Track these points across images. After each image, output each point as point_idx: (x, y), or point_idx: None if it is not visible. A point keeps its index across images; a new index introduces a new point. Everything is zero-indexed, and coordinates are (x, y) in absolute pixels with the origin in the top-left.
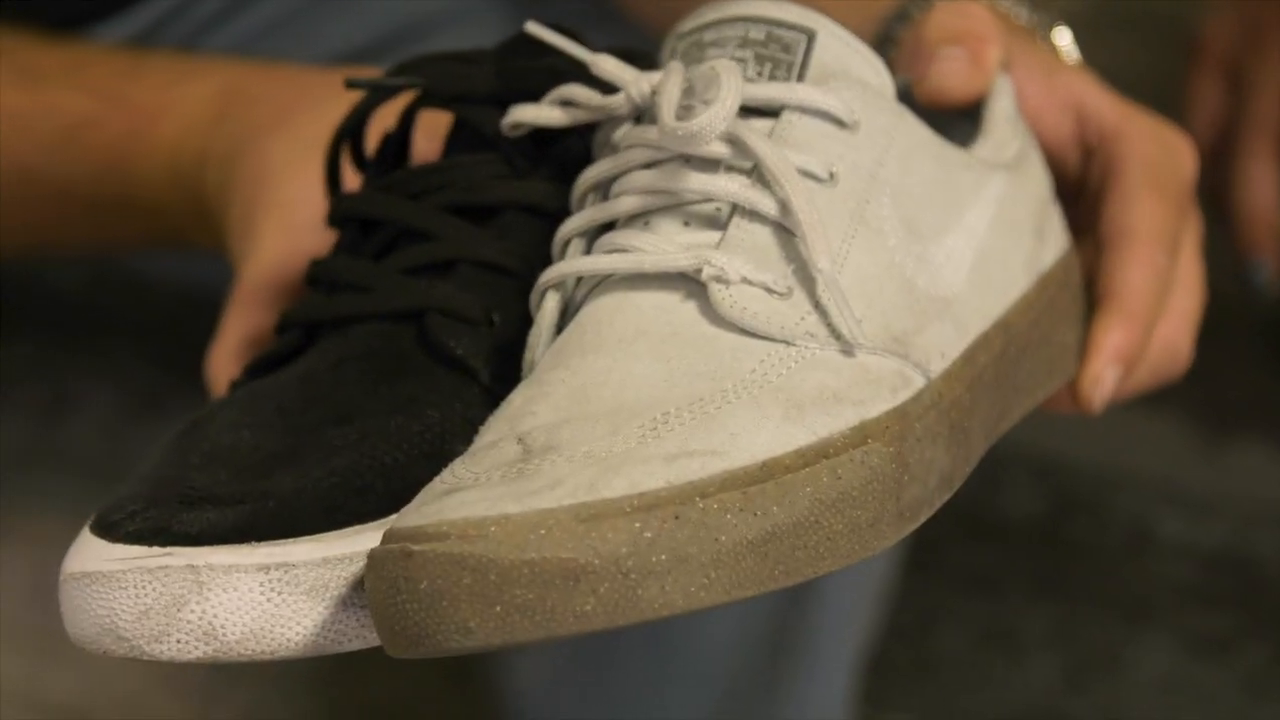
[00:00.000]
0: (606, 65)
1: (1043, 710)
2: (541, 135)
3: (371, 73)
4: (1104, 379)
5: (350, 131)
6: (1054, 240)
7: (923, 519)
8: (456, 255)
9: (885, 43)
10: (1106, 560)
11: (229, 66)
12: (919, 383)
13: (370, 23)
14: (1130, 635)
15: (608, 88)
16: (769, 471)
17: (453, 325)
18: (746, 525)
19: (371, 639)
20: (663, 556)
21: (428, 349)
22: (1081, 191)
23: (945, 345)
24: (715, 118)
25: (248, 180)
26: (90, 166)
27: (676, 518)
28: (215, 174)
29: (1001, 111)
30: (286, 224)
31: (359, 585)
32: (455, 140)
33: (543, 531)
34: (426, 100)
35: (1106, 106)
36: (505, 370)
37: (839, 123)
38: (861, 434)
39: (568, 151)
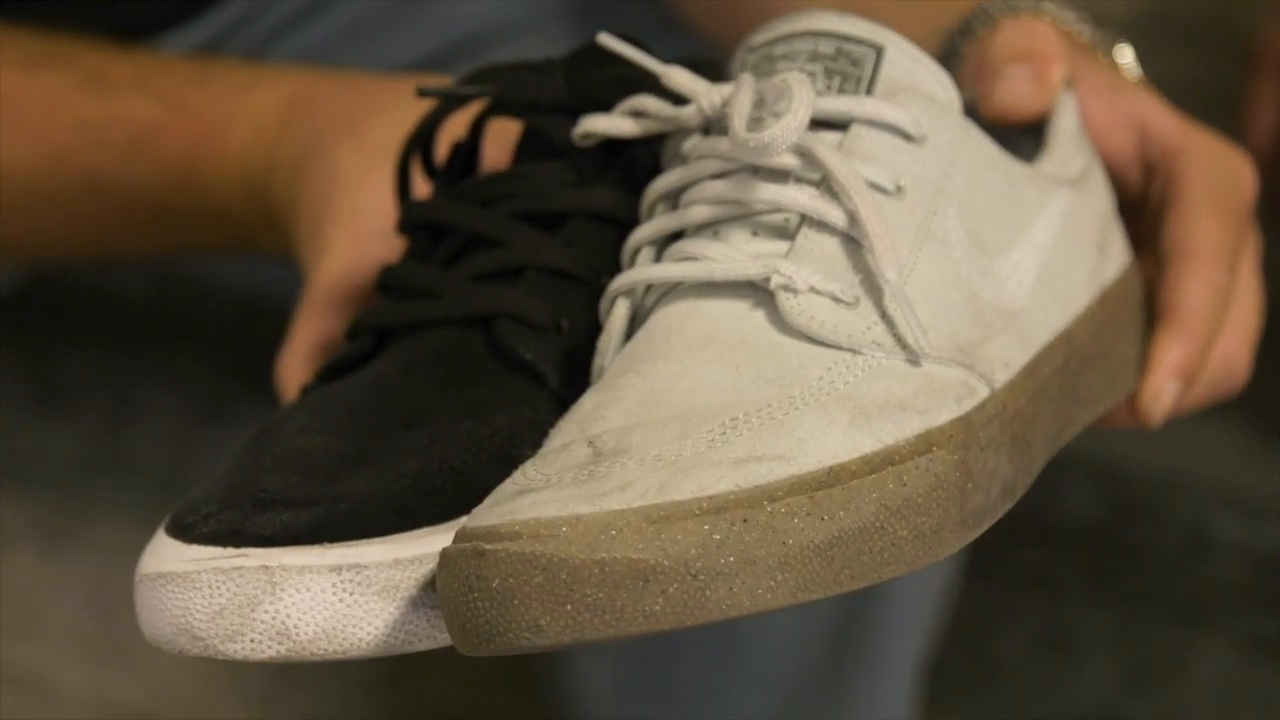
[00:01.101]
0: (678, 77)
1: (1101, 714)
2: (610, 145)
3: (441, 81)
4: (1163, 393)
5: (421, 140)
6: (1116, 255)
7: (985, 527)
8: (525, 262)
9: (949, 57)
10: (1165, 564)
11: (296, 74)
12: (983, 393)
13: (436, 34)
14: (1189, 639)
15: (678, 99)
16: (836, 477)
17: (522, 331)
18: (813, 529)
19: (442, 639)
20: (731, 559)
21: (497, 354)
22: (1143, 208)
23: (1009, 356)
24: (787, 129)
25: (316, 188)
26: (158, 174)
27: (745, 521)
28: (283, 181)
29: (1066, 128)
30: (356, 233)
31: (430, 586)
32: (525, 149)
33: (613, 532)
34: (497, 109)
35: (1169, 124)
36: (573, 375)
37: (906, 136)
38: (927, 442)
39: (635, 161)
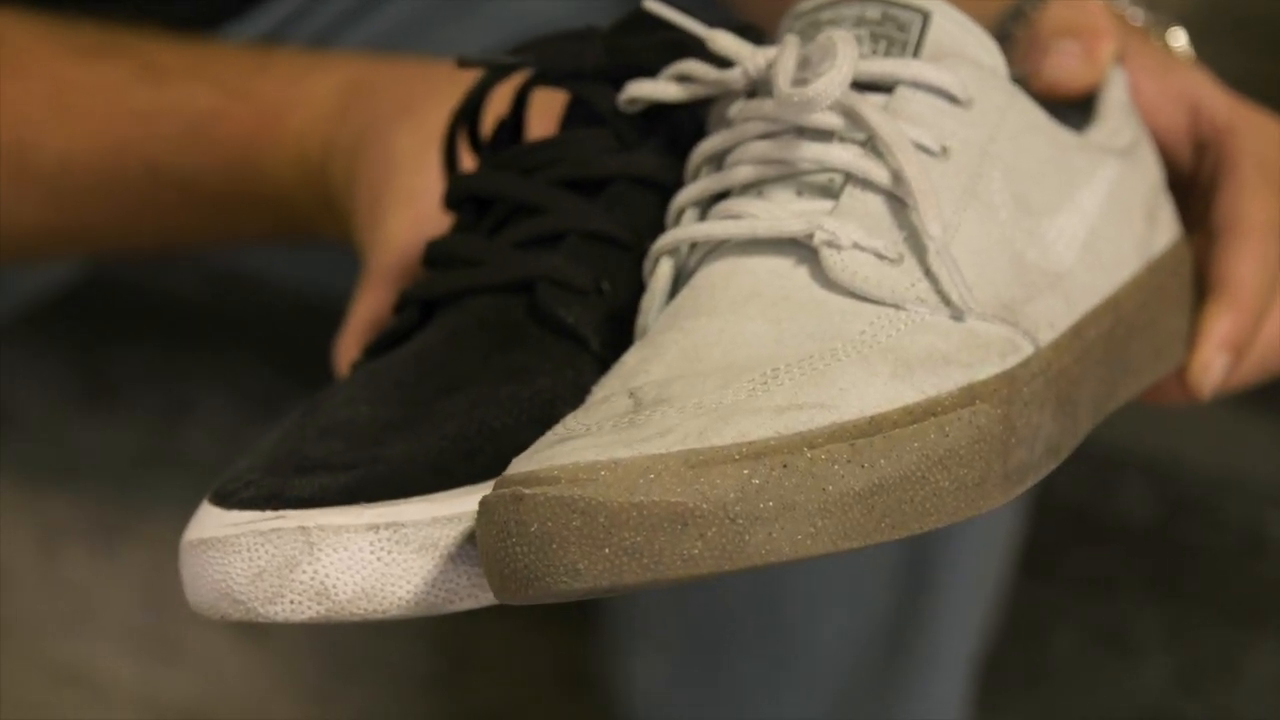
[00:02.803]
0: (723, 41)
1: (1156, 713)
2: (653, 111)
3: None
4: (1213, 366)
5: (467, 114)
6: (1165, 228)
7: (1029, 484)
8: (566, 227)
9: (1000, 40)
10: (1219, 563)
11: (353, 60)
12: (1027, 350)
13: (494, 29)
14: (1243, 638)
15: (723, 63)
16: (877, 426)
17: (563, 294)
18: (853, 476)
19: (484, 597)
20: (770, 503)
21: (539, 318)
22: (1194, 186)
23: (1054, 317)
24: (831, 84)
25: (374, 171)
26: (217, 161)
27: (784, 466)
28: (341, 165)
29: (1115, 101)
30: (414, 213)
31: (468, 542)
32: (570, 118)
33: (652, 476)
34: (540, 79)
35: (1220, 103)
36: (615, 338)
37: (952, 99)
38: (969, 395)
39: (678, 125)
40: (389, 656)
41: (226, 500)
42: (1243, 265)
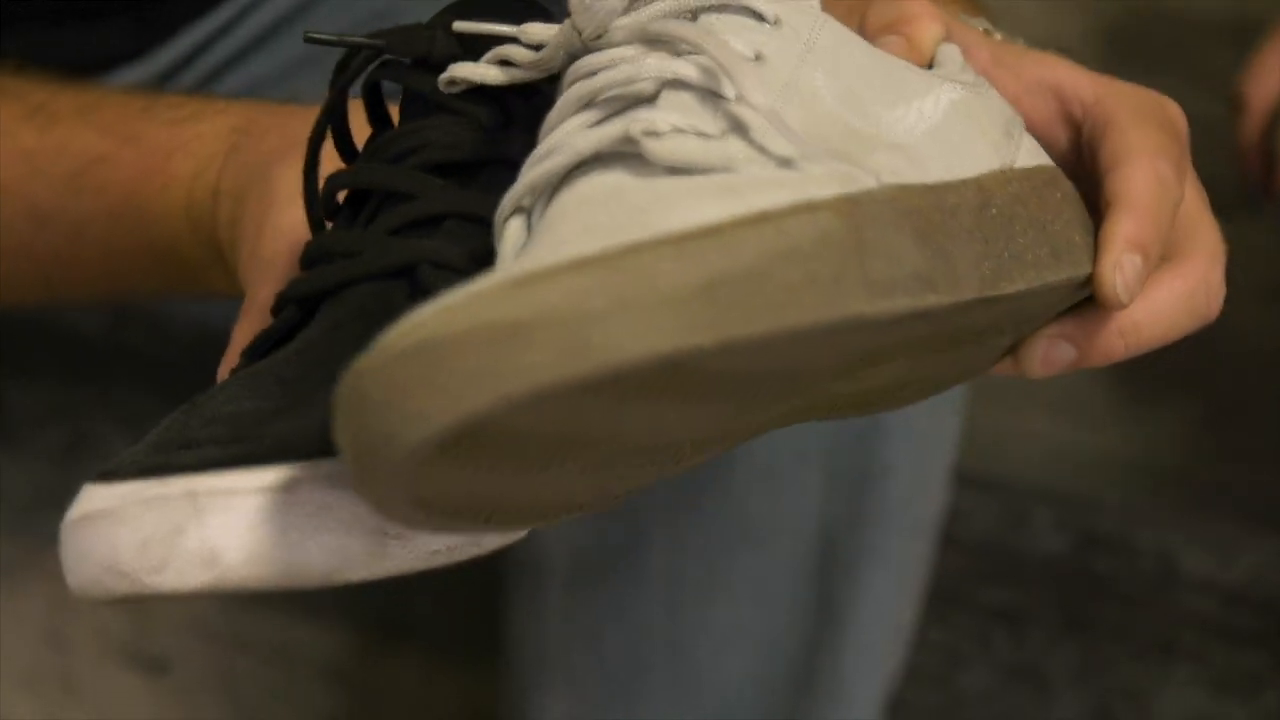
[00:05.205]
0: (534, 30)
1: None
2: (521, 92)
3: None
4: (1124, 264)
5: (332, 116)
6: (1029, 151)
7: (899, 302)
8: (443, 210)
9: None
10: (1132, 597)
11: (242, 104)
12: (870, 183)
13: None
14: (1157, 672)
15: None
16: (706, 232)
17: (445, 275)
18: (684, 271)
19: (376, 568)
20: (600, 301)
21: (421, 301)
22: (1079, 169)
23: (897, 168)
24: None
25: (256, 209)
26: (103, 206)
27: (609, 268)
28: (227, 208)
29: (949, 60)
30: (293, 244)
31: (362, 507)
32: (409, 107)
33: (476, 307)
34: (387, 68)
35: (1083, 80)
36: None
37: (759, 17)
38: (809, 206)
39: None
40: (294, 696)
41: (110, 477)
42: (1135, 178)
